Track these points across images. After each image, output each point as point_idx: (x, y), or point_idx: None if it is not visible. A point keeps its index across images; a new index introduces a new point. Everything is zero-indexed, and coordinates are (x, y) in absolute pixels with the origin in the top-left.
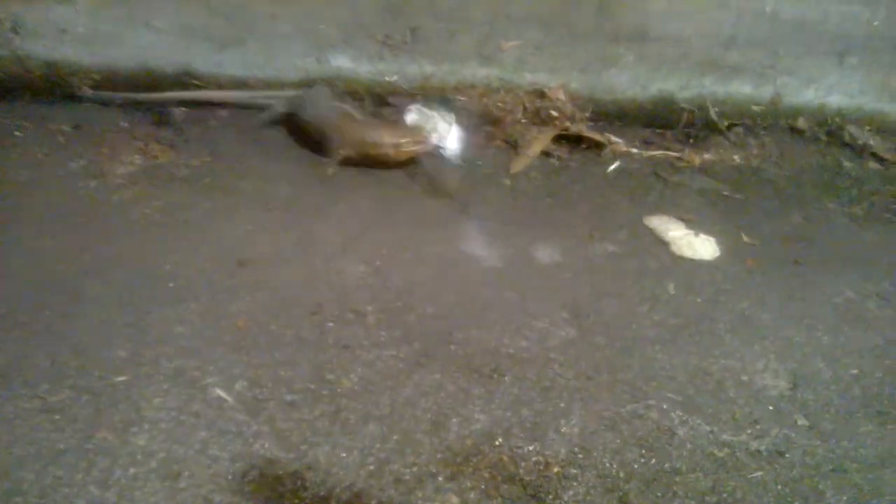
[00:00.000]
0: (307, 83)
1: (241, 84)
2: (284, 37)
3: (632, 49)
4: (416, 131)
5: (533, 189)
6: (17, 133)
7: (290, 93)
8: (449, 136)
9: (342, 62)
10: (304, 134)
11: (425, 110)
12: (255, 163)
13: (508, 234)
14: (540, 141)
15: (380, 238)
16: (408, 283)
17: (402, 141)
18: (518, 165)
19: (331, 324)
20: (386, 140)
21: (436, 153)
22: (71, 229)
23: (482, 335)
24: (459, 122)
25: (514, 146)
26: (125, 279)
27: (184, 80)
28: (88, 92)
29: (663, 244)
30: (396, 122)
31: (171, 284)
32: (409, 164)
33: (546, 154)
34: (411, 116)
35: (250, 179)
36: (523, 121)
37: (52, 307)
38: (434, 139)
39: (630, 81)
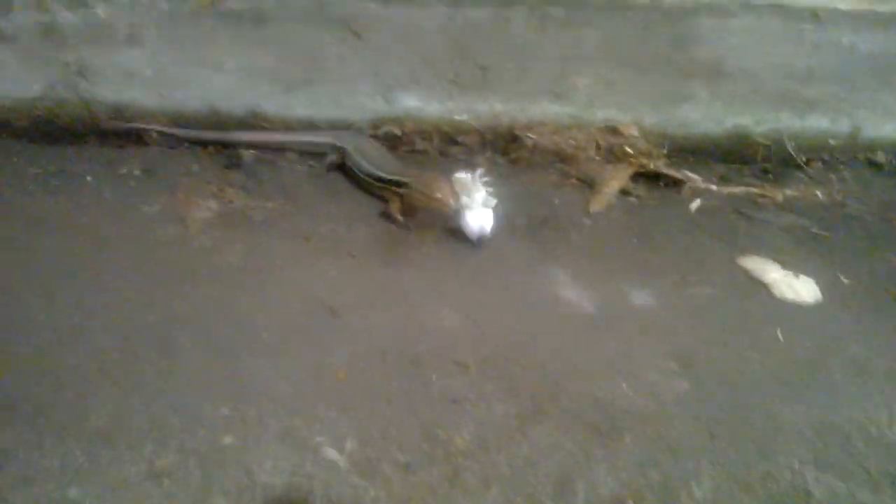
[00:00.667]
0: (376, 123)
1: (309, 125)
2: (353, 77)
3: (706, 84)
4: (457, 190)
5: (616, 229)
6: (88, 178)
7: (323, 137)
8: (480, 211)
9: (410, 102)
10: (361, 182)
11: (475, 181)
12: (330, 206)
13: (598, 277)
14: (617, 179)
15: (468, 283)
16: (504, 332)
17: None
18: (597, 204)
19: (434, 376)
20: (448, 198)
21: (459, 216)
22: (155, 278)
23: (592, 388)
24: (493, 211)
25: (590, 184)
26: (217, 329)
27: (251, 121)
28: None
29: (762, 286)
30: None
31: (264, 335)
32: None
33: (624, 192)
34: (461, 177)
35: (327, 223)
36: (597, 158)
37: (146, 361)
38: (465, 204)
39: (704, 117)
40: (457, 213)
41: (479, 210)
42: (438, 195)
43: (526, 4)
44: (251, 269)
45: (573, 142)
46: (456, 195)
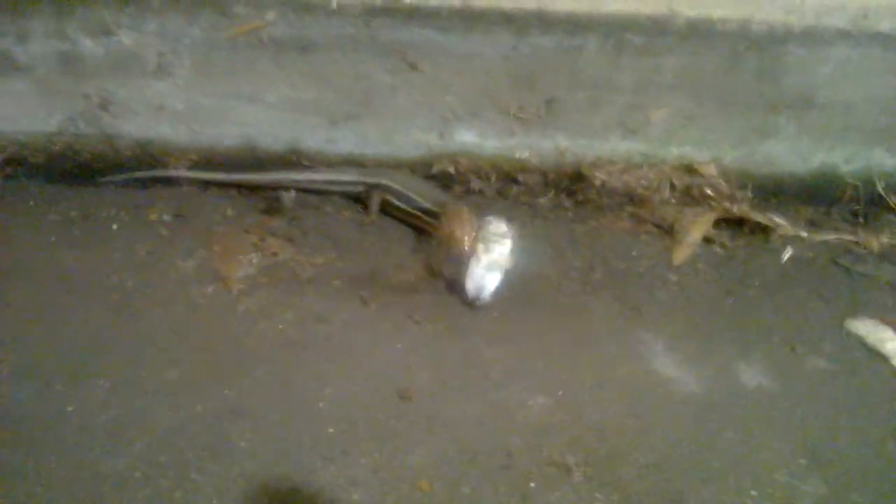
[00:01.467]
0: (429, 161)
1: (354, 162)
2: (404, 111)
3: (793, 118)
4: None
5: (705, 286)
6: (114, 226)
7: (350, 175)
8: (490, 269)
9: (467, 137)
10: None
11: (502, 234)
12: (385, 260)
13: (697, 346)
14: (700, 226)
15: (551, 356)
16: (603, 419)
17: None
18: (680, 256)
19: (532, 483)
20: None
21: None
22: (199, 354)
23: (719, 495)
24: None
25: (668, 231)
26: (275, 423)
27: (292, 158)
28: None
29: (881, 358)
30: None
31: (330, 430)
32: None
33: (707, 240)
34: (491, 224)
35: (384, 281)
36: (672, 200)
37: (197, 467)
38: (477, 253)
39: (789, 153)
40: (464, 260)
41: (488, 267)
42: (457, 232)
43: (600, 31)
44: (305, 340)
45: (645, 182)
46: (474, 240)
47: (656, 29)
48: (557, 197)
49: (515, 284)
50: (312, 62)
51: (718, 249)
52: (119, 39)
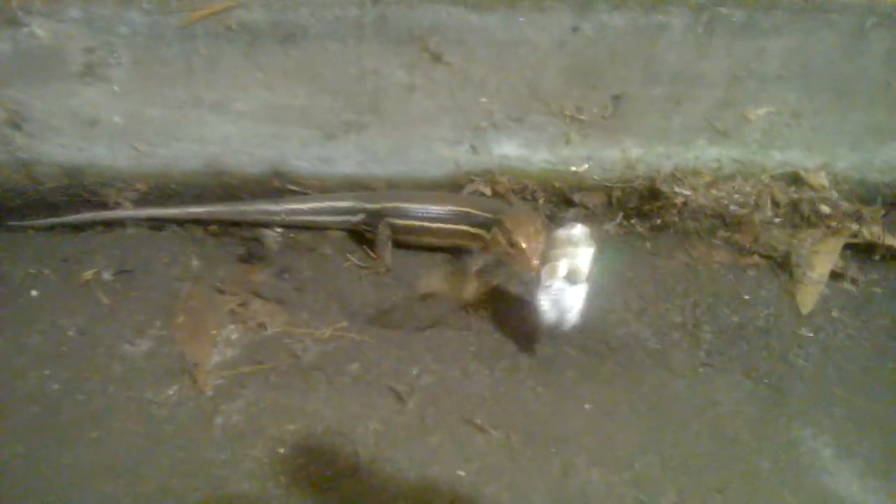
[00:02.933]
0: (454, 182)
1: (359, 186)
2: (424, 117)
3: None
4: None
5: (852, 344)
6: (33, 292)
7: (345, 201)
8: (569, 286)
9: (508, 149)
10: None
11: (582, 243)
12: (415, 319)
13: (880, 452)
14: (826, 258)
15: (668, 468)
16: None
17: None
18: (808, 300)
19: None
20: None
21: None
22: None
23: None
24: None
25: (782, 265)
26: None
27: (273, 184)
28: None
29: None
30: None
31: None
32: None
33: (833, 274)
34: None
35: (421, 360)
36: (776, 220)
37: None
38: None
39: None
40: (534, 279)
41: (567, 285)
42: (522, 244)
43: (688, 4)
44: (320, 472)
45: (739, 197)
46: (543, 254)
47: (761, 1)
48: (627, 221)
49: (593, 348)
50: (300, 56)
51: (849, 286)
52: (31, 30)
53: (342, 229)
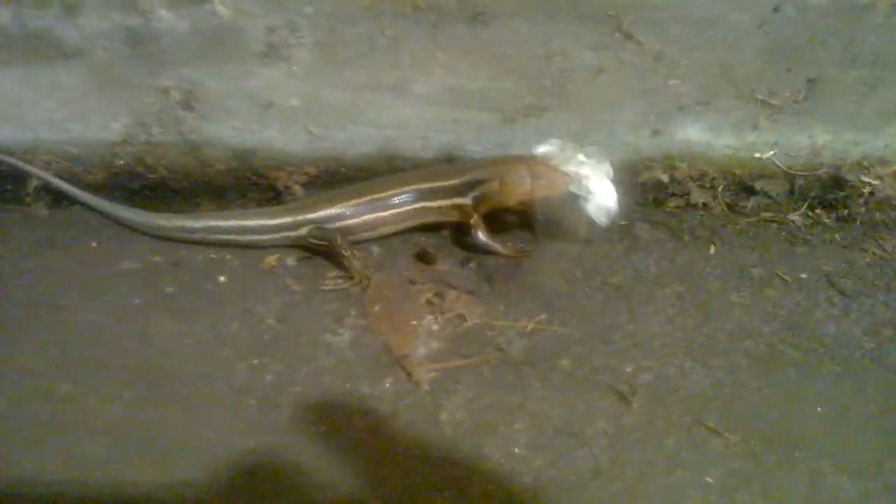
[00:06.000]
0: (630, 167)
1: None
2: (608, 100)
3: None
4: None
5: None
6: (221, 278)
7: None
8: (598, 189)
9: (693, 133)
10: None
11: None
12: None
13: None
14: None
15: None
16: None
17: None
18: None
19: None
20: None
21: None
22: None
23: None
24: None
25: None
26: None
27: None
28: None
29: None
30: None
31: None
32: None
33: None
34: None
35: (631, 355)
36: None
37: None
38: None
39: None
40: (572, 194)
41: (596, 185)
42: (558, 171)
43: None
44: (561, 476)
45: None
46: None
47: None
48: (812, 211)
49: (808, 347)
50: (485, 36)
51: None
52: (211, 9)
53: (283, 246)
